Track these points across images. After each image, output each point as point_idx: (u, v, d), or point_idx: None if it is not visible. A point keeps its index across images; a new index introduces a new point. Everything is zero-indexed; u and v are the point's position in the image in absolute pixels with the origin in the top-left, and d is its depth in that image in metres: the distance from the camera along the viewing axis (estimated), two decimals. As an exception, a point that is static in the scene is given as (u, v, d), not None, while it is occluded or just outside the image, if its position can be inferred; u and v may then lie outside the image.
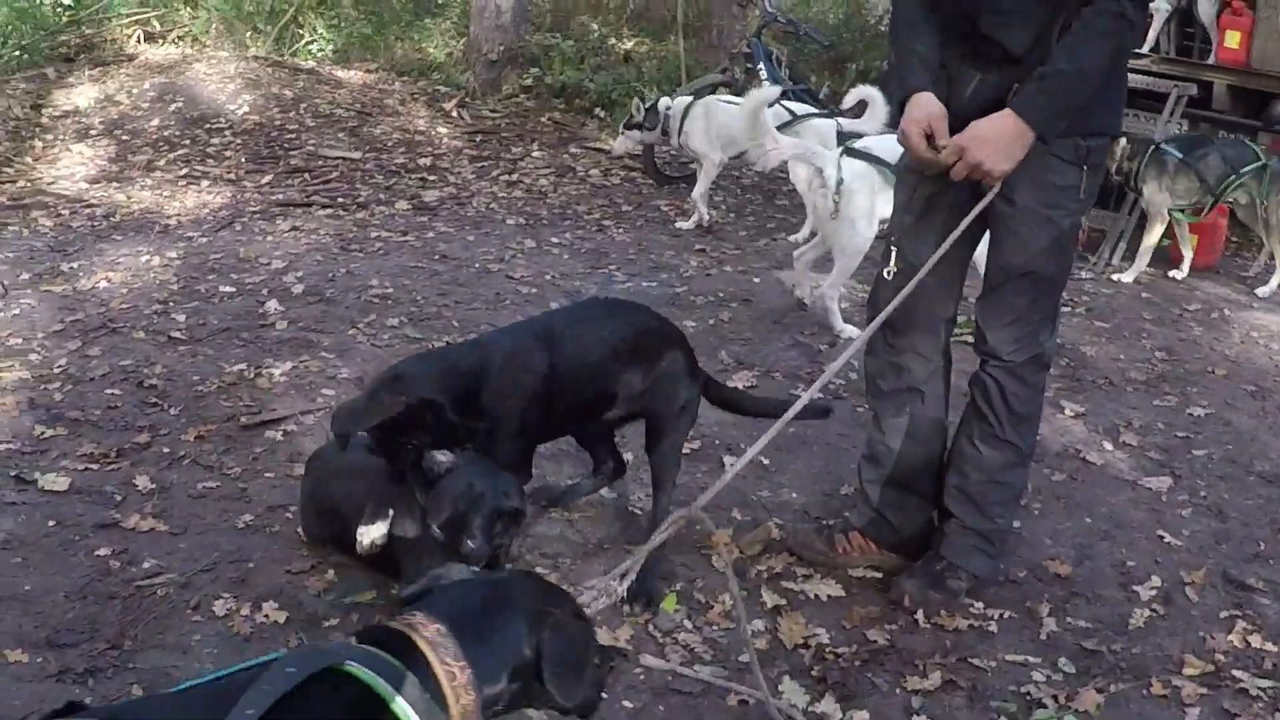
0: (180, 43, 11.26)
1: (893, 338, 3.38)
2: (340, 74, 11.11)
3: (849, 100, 7.12)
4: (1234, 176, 6.73)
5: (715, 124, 7.29)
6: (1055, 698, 3.02)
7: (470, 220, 7.52)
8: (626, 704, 2.89)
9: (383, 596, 3.25)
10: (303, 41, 12.31)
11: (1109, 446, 4.59)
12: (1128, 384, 5.29)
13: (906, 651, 3.20)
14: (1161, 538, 3.90)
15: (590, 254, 6.85)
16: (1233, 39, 8.20)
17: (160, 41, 11.19)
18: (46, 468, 3.85)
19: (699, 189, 7.48)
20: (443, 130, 10.06)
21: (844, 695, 2.98)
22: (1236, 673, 3.17)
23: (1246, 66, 8.22)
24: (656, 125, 7.57)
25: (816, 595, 3.44)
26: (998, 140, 2.86)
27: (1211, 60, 8.44)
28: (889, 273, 3.28)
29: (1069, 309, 6.19)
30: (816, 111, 7.33)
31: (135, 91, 9.63)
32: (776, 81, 8.04)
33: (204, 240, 6.67)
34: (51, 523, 3.52)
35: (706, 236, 7.34)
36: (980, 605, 3.41)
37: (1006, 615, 3.39)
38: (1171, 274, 7.09)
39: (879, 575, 3.56)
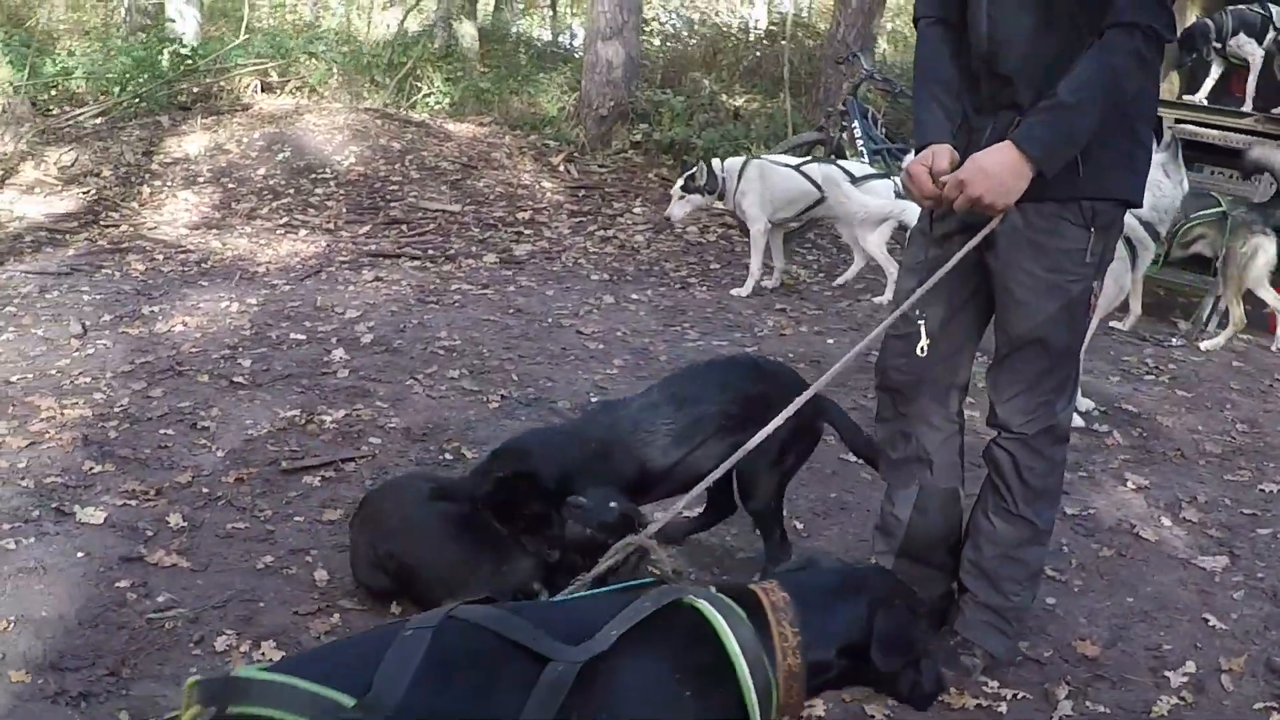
0: (297, 94, 11.82)
1: (902, 405, 3.43)
2: (450, 127, 11.53)
3: (909, 160, 7.21)
4: (1184, 222, 6.66)
5: (769, 185, 7.43)
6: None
7: (554, 275, 7.76)
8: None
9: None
10: (420, 94, 12.81)
11: (1167, 522, 4.55)
12: (1200, 457, 5.23)
13: (904, 729, 3.23)
14: (1206, 620, 3.84)
15: (667, 311, 7.02)
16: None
17: (278, 92, 11.77)
18: (87, 501, 4.12)
19: (754, 263, 7.60)
20: (547, 185, 10.38)
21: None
22: (1260, 771, 3.12)
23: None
24: (717, 188, 7.62)
25: (821, 665, 3.48)
26: (998, 174, 2.85)
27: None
28: (922, 349, 3.17)
29: (1152, 377, 6.13)
30: (874, 173, 7.50)
31: (245, 140, 10.18)
32: (871, 139, 8.17)
33: (287, 288, 7.02)
34: (80, 554, 3.77)
35: (789, 296, 7.46)
36: (994, 685, 3.40)
37: (1020, 696, 3.37)
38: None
39: (892, 648, 3.58)
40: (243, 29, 12.63)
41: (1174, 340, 6.94)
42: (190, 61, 11.15)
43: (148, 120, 10.29)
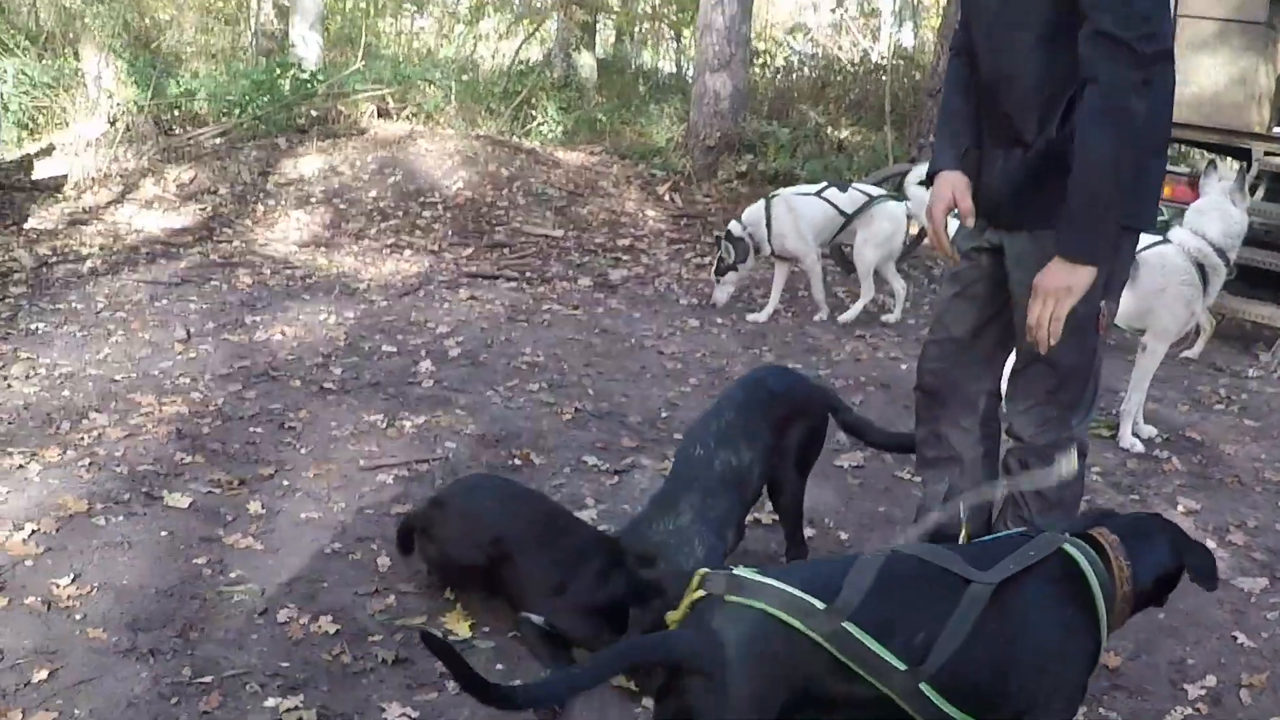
0: (412, 119, 12.38)
1: (936, 407, 3.68)
2: (560, 155, 11.97)
3: (913, 176, 7.53)
4: None
5: (801, 217, 7.69)
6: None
7: (645, 299, 8.09)
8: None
9: (432, 622, 3.72)
10: (535, 123, 13.30)
11: (1212, 544, 4.63)
12: (1258, 484, 5.32)
13: (917, 724, 3.41)
14: (1235, 638, 3.94)
15: (749, 335, 7.31)
16: None
17: (394, 117, 12.34)
18: (175, 488, 4.52)
19: (816, 292, 7.90)
20: (650, 213, 10.73)
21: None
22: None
23: None
24: (747, 252, 7.69)
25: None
26: (1058, 289, 3.03)
27: None
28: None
29: (1221, 406, 6.20)
30: (890, 195, 7.85)
31: (358, 163, 10.72)
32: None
33: (384, 304, 7.45)
34: (164, 533, 4.16)
35: (870, 323, 7.68)
36: (1012, 688, 3.59)
37: (1035, 701, 3.55)
38: None
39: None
40: (360, 55, 13.24)
41: (1250, 371, 6.99)
42: (309, 86, 11.75)
43: (265, 141, 10.90)
